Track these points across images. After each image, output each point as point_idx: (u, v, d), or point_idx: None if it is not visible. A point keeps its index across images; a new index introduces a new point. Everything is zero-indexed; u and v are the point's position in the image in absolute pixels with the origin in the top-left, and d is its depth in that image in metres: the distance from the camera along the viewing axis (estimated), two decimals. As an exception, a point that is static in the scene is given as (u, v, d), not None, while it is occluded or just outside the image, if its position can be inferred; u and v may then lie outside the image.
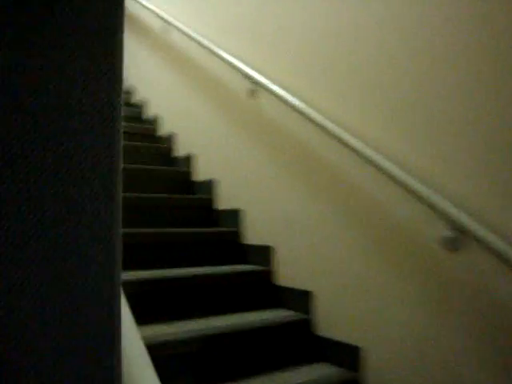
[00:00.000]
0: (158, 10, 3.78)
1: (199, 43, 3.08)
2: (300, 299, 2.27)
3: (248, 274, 2.42)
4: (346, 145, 1.97)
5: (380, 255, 1.90)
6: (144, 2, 4.04)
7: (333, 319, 2.10)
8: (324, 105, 2.19)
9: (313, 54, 2.30)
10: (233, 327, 2.02)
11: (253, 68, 2.64)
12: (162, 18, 3.68)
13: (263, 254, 2.54)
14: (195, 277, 2.24)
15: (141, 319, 2.04)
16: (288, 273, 2.38)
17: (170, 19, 3.52)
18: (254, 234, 2.66)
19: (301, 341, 2.16)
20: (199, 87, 3.27)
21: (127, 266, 2.28)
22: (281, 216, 2.44)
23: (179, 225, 2.86)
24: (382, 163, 1.82)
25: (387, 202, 1.88)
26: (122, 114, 0.51)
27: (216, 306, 2.28)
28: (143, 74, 4.32)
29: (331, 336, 2.09)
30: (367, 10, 2.00)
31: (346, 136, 1.98)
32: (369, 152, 1.87)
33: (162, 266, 2.44)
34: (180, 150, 3.51)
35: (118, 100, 0.49)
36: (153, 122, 3.96)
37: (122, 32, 0.51)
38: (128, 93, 4.58)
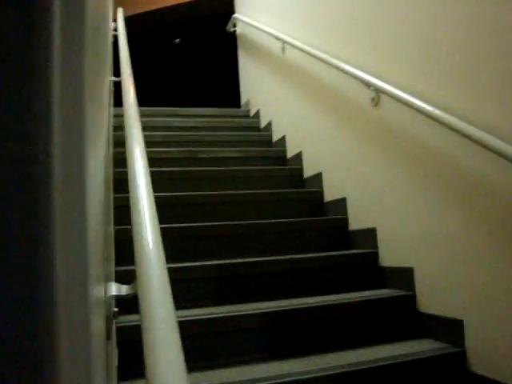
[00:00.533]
0: (274, 31, 3.76)
1: (317, 58, 2.97)
2: (449, 328, 1.99)
3: (388, 300, 2.20)
4: (493, 151, 1.68)
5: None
6: (263, 27, 4.06)
7: (495, 352, 1.79)
8: (459, 106, 1.93)
9: (438, 51, 2.04)
10: (374, 362, 1.82)
11: (373, 75, 2.45)
12: (281, 40, 3.65)
13: (403, 276, 2.30)
14: (328, 306, 2.08)
15: (268, 354, 1.96)
16: (433, 297, 2.11)
17: (289, 39, 3.47)
18: (390, 254, 2.42)
19: (456, 378, 1.89)
20: (321, 104, 3.14)
21: (251, 299, 2.23)
22: (419, 234, 2.18)
23: (309, 249, 2.73)
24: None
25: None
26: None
27: (352, 337, 2.09)
28: (267, 97, 4.32)
29: (496, 377, 1.78)
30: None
31: (494, 142, 1.68)
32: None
33: (290, 295, 2.32)
34: (308, 170, 3.40)
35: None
36: (279, 144, 3.91)
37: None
38: (256, 117, 4.61)
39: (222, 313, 1.98)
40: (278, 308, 2.03)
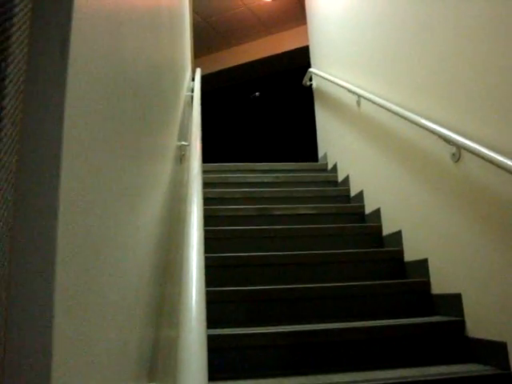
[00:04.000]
0: (349, 85, 3.71)
1: (393, 111, 2.86)
2: (495, 352, 1.75)
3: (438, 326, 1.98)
4: None
5: None
6: (337, 80, 4.03)
7: None
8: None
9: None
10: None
11: (454, 130, 2.30)
12: (355, 93, 3.58)
13: (453, 302, 2.07)
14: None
15: None
16: (480, 322, 1.88)
17: (363, 92, 3.40)
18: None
19: None
20: (398, 159, 3.01)
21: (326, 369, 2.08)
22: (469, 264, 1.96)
23: (389, 315, 2.55)
24: None
25: None
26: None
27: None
28: (343, 150, 4.23)
29: None
30: None
31: None
32: None
33: (364, 368, 2.15)
34: (387, 227, 3.23)
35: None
36: (357, 200, 3.78)
37: None
38: (333, 171, 4.52)
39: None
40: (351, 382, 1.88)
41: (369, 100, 3.27)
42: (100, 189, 0.60)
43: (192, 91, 3.47)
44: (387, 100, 3.04)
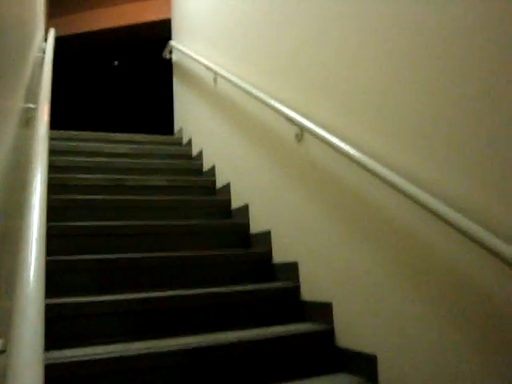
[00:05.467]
0: (206, 62, 3.79)
1: (243, 89, 3.01)
2: (364, 363, 2.02)
3: (307, 335, 2.21)
4: (401, 191, 1.74)
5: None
6: (194, 56, 4.09)
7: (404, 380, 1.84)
8: (379, 149, 2.00)
9: (360, 93, 2.12)
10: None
11: (299, 111, 2.51)
12: (212, 70, 3.67)
13: (322, 310, 2.33)
14: (245, 343, 2.07)
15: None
16: (351, 332, 2.14)
17: (220, 70, 3.50)
18: (312, 289, 2.45)
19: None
20: (250, 135, 3.18)
21: (168, 334, 2.17)
22: (339, 269, 2.22)
23: (232, 282, 2.72)
24: (451, 216, 1.55)
25: (464, 261, 1.63)
26: None
27: (271, 372, 2.08)
28: (199, 126, 4.32)
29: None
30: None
31: (402, 183, 1.74)
32: (431, 201, 1.62)
33: (208, 331, 2.29)
34: (235, 201, 3.40)
35: None
36: (210, 174, 3.91)
37: None
38: (188, 145, 4.60)
39: (135, 350, 1.92)
40: (194, 345, 1.99)
41: (224, 77, 3.38)
42: None
43: (44, 52, 3.29)
44: (241, 78, 3.18)
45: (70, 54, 7.40)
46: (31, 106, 1.99)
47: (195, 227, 3.03)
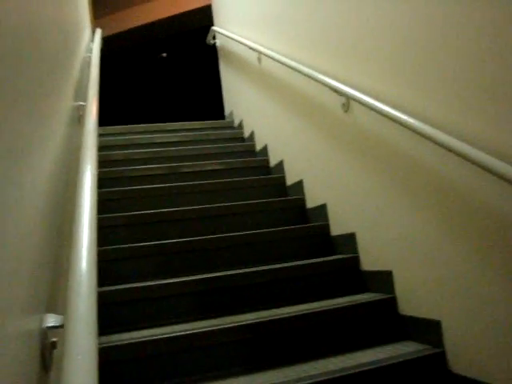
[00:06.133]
0: (250, 42, 3.79)
1: (288, 65, 2.99)
2: (428, 329, 2.00)
3: (369, 305, 2.20)
4: (460, 155, 1.67)
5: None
6: (237, 37, 4.09)
7: (471, 351, 1.79)
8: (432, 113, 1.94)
9: (405, 57, 2.06)
10: (357, 367, 1.82)
11: (343, 82, 2.47)
12: (256, 50, 3.67)
13: (383, 279, 2.31)
14: (307, 315, 2.09)
15: (248, 367, 1.96)
16: (414, 299, 2.11)
17: (263, 49, 3.49)
18: (371, 258, 2.43)
19: (437, 380, 1.89)
20: (297, 111, 3.16)
21: (232, 312, 2.23)
22: (398, 238, 2.19)
23: (293, 257, 2.74)
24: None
25: None
26: None
27: (335, 343, 2.09)
28: (248, 107, 4.34)
29: (476, 376, 1.78)
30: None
31: (462, 147, 1.67)
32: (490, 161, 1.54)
33: (270, 306, 2.33)
34: (290, 177, 3.41)
35: None
36: (262, 154, 3.93)
37: None
38: (239, 128, 4.63)
39: (199, 328, 1.99)
40: (258, 320, 2.04)
41: (267, 56, 3.37)
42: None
43: (91, 52, 3.40)
44: (284, 55, 3.16)
45: (119, 51, 7.59)
46: (82, 103, 2.07)
47: (251, 206, 3.06)
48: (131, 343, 1.87)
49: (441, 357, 1.91)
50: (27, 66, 1.05)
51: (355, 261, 2.54)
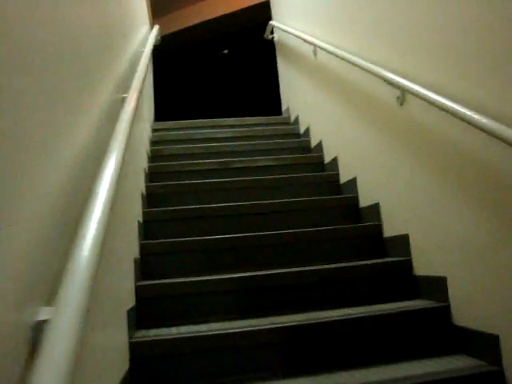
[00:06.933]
0: (306, 36, 3.69)
1: (343, 58, 2.87)
2: (485, 344, 1.82)
3: (421, 312, 2.05)
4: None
5: None
6: (295, 31, 4.01)
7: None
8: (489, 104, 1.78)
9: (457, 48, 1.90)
10: (402, 380, 1.69)
11: (398, 74, 2.33)
12: (311, 43, 3.57)
13: (437, 286, 2.15)
14: (351, 320, 1.98)
15: (292, 371, 1.87)
16: (470, 310, 1.94)
17: (317, 41, 3.39)
18: (424, 263, 2.28)
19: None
20: (352, 105, 3.03)
21: (277, 312, 2.15)
22: (454, 241, 2.02)
23: (343, 258, 2.63)
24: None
25: None
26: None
27: (379, 352, 1.97)
28: (304, 102, 4.24)
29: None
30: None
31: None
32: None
33: (315, 308, 2.23)
34: (344, 174, 3.28)
35: None
36: (317, 150, 3.82)
37: None
38: (295, 123, 4.54)
39: (242, 327, 1.92)
40: (299, 322, 1.95)
41: (322, 49, 3.26)
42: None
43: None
44: (339, 48, 3.04)
45: (179, 49, 7.69)
46: (125, 96, 2.05)
47: (302, 204, 2.97)
48: (167, 339, 1.84)
49: (499, 376, 1.74)
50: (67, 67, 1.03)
51: (407, 264, 2.39)
